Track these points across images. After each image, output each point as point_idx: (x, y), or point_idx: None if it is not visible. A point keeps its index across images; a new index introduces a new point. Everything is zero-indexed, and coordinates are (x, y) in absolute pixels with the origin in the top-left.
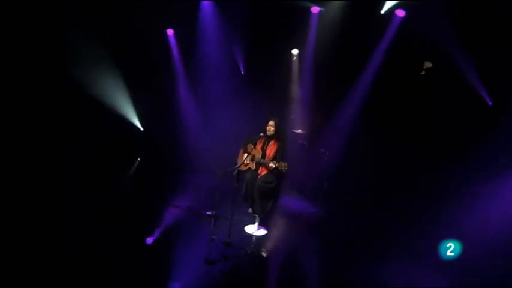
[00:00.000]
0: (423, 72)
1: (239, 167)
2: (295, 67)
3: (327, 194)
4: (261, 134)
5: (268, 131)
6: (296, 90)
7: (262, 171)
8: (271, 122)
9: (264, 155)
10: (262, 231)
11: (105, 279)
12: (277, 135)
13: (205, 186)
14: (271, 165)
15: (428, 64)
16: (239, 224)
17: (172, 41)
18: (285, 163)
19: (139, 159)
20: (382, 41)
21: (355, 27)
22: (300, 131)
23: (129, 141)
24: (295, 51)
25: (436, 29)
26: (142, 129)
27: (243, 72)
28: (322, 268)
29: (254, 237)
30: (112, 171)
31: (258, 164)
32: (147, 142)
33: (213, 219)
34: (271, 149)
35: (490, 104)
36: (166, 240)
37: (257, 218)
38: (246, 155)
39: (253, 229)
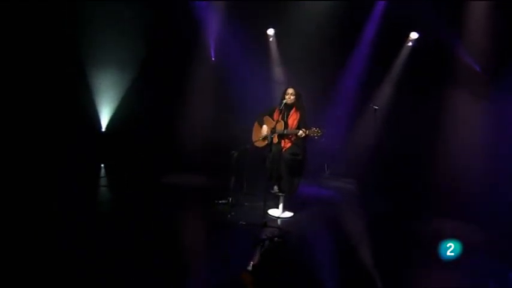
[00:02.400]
0: (410, 44)
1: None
2: (273, 47)
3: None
4: (284, 101)
5: (289, 99)
6: (278, 71)
7: (286, 144)
8: (290, 91)
9: (285, 126)
10: (288, 214)
11: (105, 280)
12: (298, 103)
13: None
14: (301, 133)
15: (414, 35)
16: (259, 208)
17: None
18: (316, 128)
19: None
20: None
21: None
22: None
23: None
24: (271, 31)
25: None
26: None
27: (213, 59)
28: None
29: (279, 221)
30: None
31: (282, 136)
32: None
33: (230, 207)
34: (293, 118)
35: (479, 70)
36: (173, 237)
37: (281, 200)
38: (265, 127)
39: (277, 212)
